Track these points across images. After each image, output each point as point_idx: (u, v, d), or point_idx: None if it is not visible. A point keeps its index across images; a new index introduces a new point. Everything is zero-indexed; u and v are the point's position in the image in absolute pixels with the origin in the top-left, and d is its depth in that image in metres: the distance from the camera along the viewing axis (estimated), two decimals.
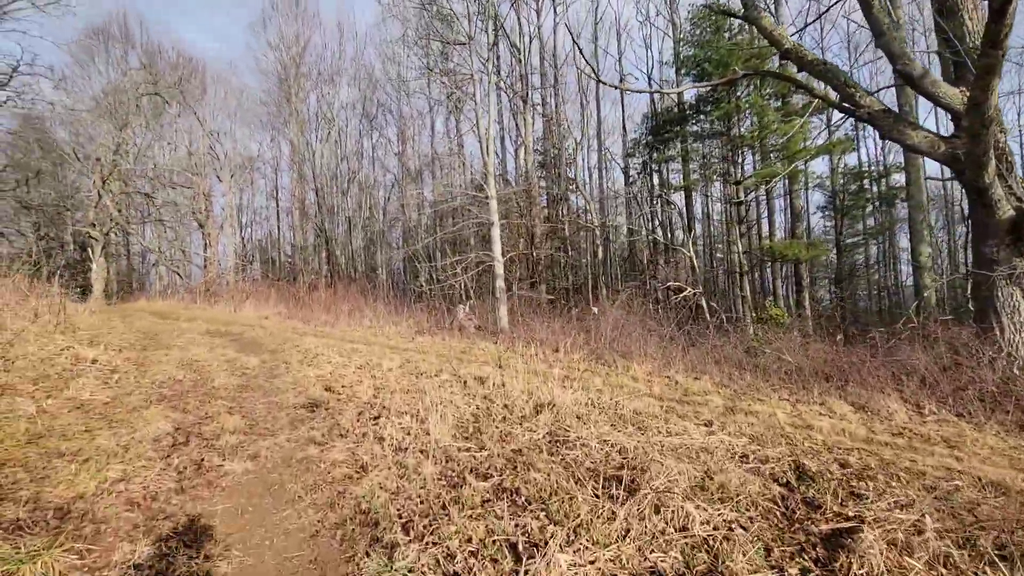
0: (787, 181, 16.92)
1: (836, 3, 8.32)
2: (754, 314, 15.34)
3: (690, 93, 18.40)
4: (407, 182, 23.68)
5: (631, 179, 20.72)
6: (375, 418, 3.71)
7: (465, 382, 5.02)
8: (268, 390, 4.76)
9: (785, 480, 3.19)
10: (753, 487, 3.02)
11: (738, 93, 16.12)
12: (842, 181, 18.07)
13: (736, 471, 3.10)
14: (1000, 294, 6.85)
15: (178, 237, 25.88)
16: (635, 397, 5.81)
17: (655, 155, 19.57)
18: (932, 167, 16.61)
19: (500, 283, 11.10)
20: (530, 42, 20.44)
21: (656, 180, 19.98)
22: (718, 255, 23.03)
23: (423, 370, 5.54)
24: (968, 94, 7.11)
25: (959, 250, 22.19)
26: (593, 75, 7.36)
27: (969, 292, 7.94)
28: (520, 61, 20.09)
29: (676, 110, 19.36)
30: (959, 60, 6.91)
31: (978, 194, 6.72)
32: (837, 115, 19.09)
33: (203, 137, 25.82)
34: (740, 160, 17.30)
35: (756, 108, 15.43)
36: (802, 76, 8.43)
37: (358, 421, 3.66)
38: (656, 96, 21.00)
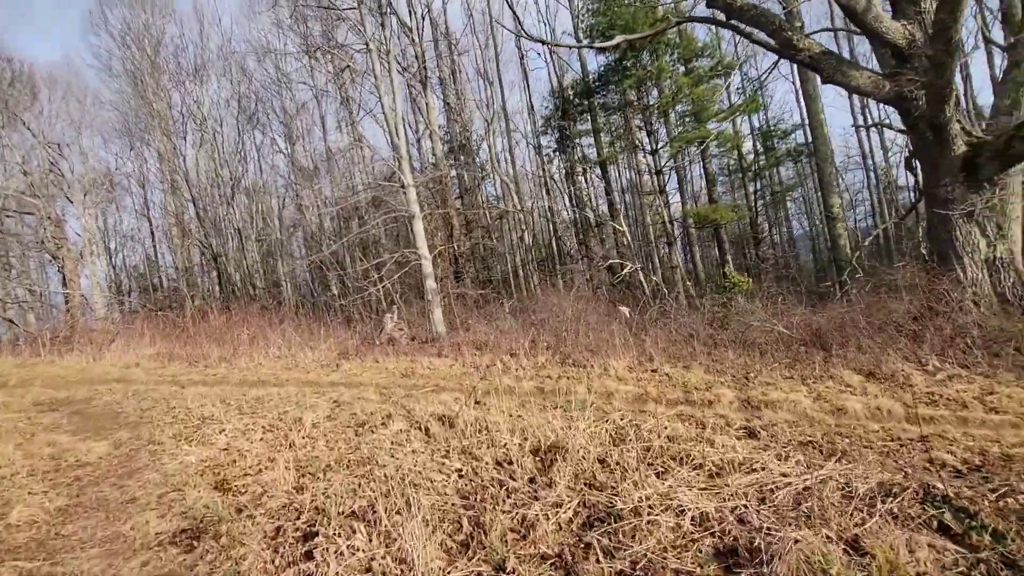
0: (699, 147, 16.89)
1: None
2: (686, 284, 15.14)
3: (593, 65, 17.83)
4: (302, 182, 21.06)
5: (548, 158, 19.85)
6: (304, 539, 2.14)
7: (427, 429, 3.61)
8: (115, 507, 2.89)
9: (940, 524, 2.22)
10: (923, 552, 2.00)
11: (643, 61, 15.70)
12: (752, 143, 18.47)
13: (893, 532, 2.06)
14: (959, 233, 6.64)
15: (22, 274, 21.23)
16: (635, 405, 4.76)
17: (568, 131, 18.82)
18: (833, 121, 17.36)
19: (431, 283, 9.59)
20: (422, 19, 18.71)
21: (573, 156, 19.26)
22: (633, 227, 22.97)
23: (363, 418, 4.01)
24: (909, 28, 6.78)
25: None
26: (520, 31, 6.15)
27: (924, 235, 7.82)
28: (413, 41, 18.33)
29: (582, 84, 18.69)
30: None
31: (935, 130, 6.39)
32: (737, 79, 19.52)
33: (41, 152, 21.24)
34: (655, 129, 17.00)
35: (666, 73, 15.08)
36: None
37: (277, 557, 2.10)
38: (559, 70, 20.29)
